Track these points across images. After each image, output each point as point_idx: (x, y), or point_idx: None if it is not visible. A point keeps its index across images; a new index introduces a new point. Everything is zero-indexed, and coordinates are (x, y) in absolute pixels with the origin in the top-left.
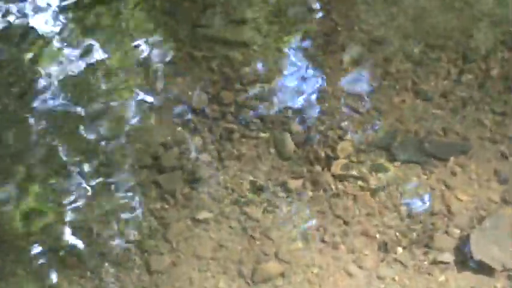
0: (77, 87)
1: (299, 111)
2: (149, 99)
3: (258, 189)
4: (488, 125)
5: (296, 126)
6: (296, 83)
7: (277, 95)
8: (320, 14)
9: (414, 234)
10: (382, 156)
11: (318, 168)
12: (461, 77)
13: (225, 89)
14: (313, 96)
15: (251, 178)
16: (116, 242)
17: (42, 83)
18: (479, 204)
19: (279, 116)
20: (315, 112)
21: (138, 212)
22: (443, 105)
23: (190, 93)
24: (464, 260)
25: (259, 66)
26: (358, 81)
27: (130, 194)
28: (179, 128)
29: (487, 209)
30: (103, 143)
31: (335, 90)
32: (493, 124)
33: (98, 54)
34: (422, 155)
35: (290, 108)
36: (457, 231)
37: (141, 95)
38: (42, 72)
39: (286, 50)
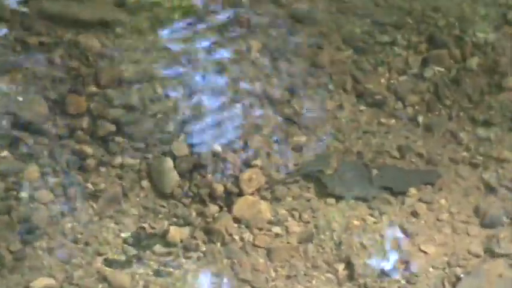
0: None
1: (186, 125)
2: None
3: (124, 242)
4: (466, 140)
5: (181, 147)
6: (181, 81)
7: (153, 101)
8: None
9: None
10: (310, 190)
11: (214, 209)
12: (425, 70)
13: (74, 92)
14: (207, 101)
15: (114, 226)
16: None
17: None
18: (453, 258)
19: (155, 132)
20: (209, 124)
21: None
22: (399, 113)
23: (20, 99)
24: None
25: (126, 57)
26: (272, 78)
27: None
28: (4, 153)
29: (464, 265)
30: None
31: (239, 92)
32: (473, 140)
33: None
34: (369, 186)
35: (172, 120)
36: None
37: None
38: None
39: (166, 32)
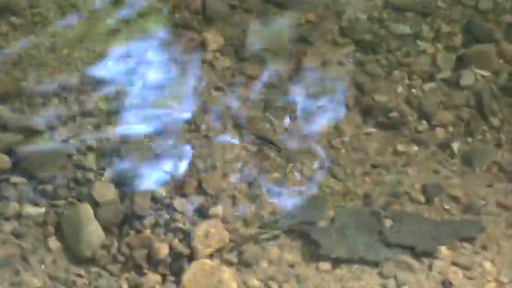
0: None
1: (113, 156)
2: None
3: None
4: None
5: (106, 190)
6: (108, 91)
7: (65, 120)
8: None
9: None
10: (295, 251)
11: (155, 279)
12: (462, 74)
13: None
14: (144, 121)
15: None
16: None
17: None
18: None
19: (67, 168)
20: (147, 155)
21: None
22: (424, 138)
23: None
24: None
25: (25, 58)
26: (239, 86)
27: None
28: None
29: None
30: None
31: (190, 107)
32: None
33: None
34: (381, 245)
35: (93, 149)
36: None
37: None
38: None
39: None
